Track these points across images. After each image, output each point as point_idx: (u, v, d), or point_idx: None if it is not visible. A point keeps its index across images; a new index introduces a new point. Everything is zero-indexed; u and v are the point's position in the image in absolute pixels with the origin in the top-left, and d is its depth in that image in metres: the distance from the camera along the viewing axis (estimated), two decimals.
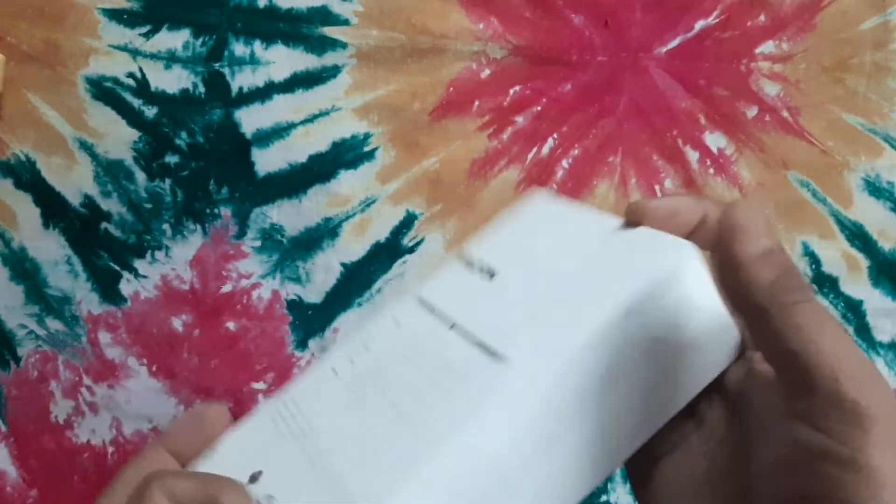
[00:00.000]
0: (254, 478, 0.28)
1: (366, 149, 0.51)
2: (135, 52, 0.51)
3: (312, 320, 0.51)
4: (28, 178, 0.51)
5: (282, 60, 0.51)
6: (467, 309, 0.31)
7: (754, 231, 0.25)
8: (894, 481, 0.23)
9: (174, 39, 0.51)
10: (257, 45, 0.51)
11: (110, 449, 0.50)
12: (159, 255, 0.51)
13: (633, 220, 0.29)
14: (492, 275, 0.32)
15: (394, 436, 0.27)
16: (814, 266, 0.50)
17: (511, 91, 0.50)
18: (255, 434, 0.30)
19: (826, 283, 0.50)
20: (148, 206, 0.51)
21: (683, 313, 0.27)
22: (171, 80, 0.51)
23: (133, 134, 0.51)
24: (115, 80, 0.51)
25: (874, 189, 0.50)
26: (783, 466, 0.25)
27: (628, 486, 0.51)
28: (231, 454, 0.29)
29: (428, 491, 0.25)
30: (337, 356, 0.32)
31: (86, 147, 0.51)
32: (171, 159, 0.51)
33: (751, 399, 0.29)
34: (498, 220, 0.35)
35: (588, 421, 0.26)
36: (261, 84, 0.51)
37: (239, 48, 0.51)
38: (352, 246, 0.51)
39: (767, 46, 0.51)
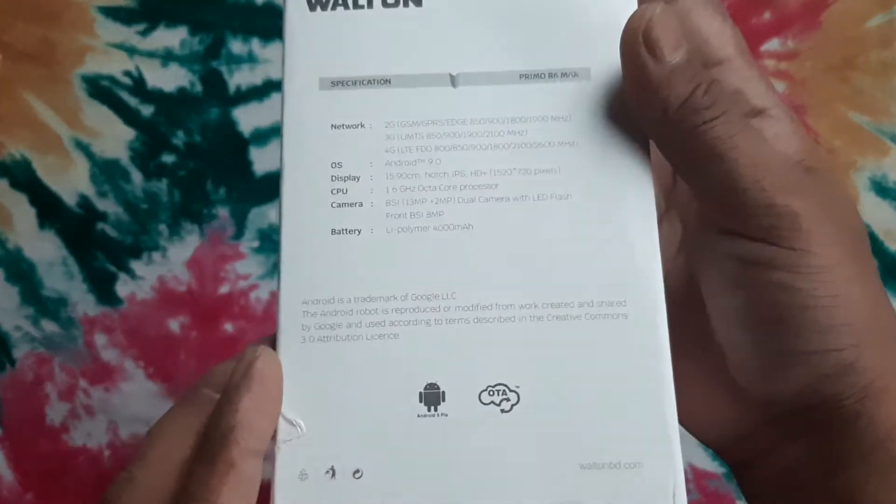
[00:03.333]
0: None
1: None
2: (131, 51, 0.51)
3: None
4: (23, 178, 0.51)
5: (280, 58, 0.50)
6: (437, 52, 0.24)
7: (665, 42, 0.22)
8: (842, 272, 0.22)
9: (171, 37, 0.51)
10: (255, 43, 0.51)
11: (106, 452, 0.50)
12: (156, 256, 0.50)
13: None
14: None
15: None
16: None
17: None
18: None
19: None
20: (144, 206, 0.51)
21: None
22: (168, 79, 0.51)
23: (129, 133, 0.51)
24: (112, 79, 0.51)
25: (880, 189, 0.50)
26: (732, 285, 0.24)
27: None
28: None
29: None
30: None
31: (82, 146, 0.51)
32: (168, 159, 0.51)
33: (680, 222, 0.27)
34: None
35: None
36: (259, 82, 0.51)
37: (236, 46, 0.51)
38: None
39: (773, 44, 0.50)
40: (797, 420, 0.24)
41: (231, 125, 0.51)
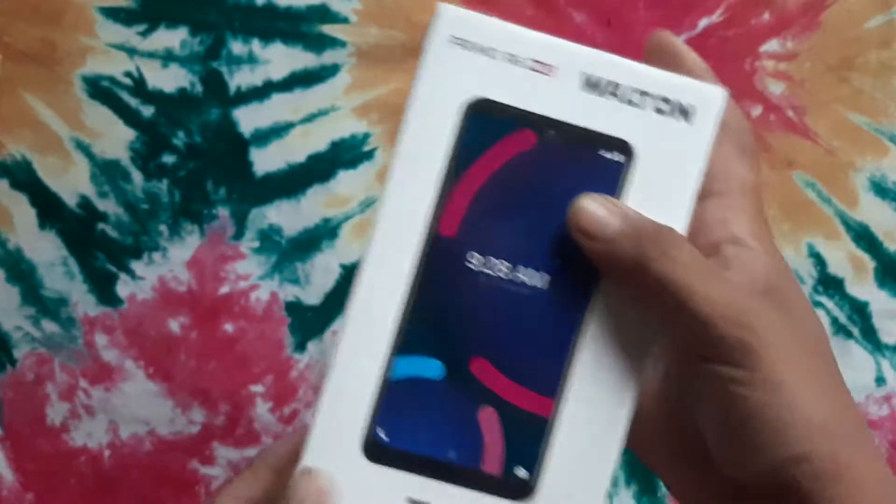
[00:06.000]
0: None
1: (365, 149, 0.51)
2: (132, 51, 0.51)
3: (311, 322, 0.50)
4: (24, 178, 0.51)
5: (280, 59, 0.51)
6: None
7: (593, 223, 0.27)
8: (791, 384, 0.26)
9: (171, 38, 0.51)
10: (255, 44, 0.51)
11: (107, 452, 0.50)
12: (156, 256, 0.50)
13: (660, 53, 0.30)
14: None
15: None
16: (819, 267, 0.50)
17: None
18: None
19: (832, 284, 0.50)
20: (145, 206, 0.51)
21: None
22: (169, 79, 0.51)
23: (130, 133, 0.51)
24: (112, 80, 0.51)
25: (880, 189, 0.50)
26: (707, 397, 0.27)
27: (632, 490, 0.50)
28: None
29: None
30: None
31: (82, 147, 0.51)
32: (169, 159, 0.51)
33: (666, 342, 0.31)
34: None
35: None
36: (259, 83, 0.51)
37: (237, 47, 0.51)
38: (351, 247, 0.50)
39: (772, 45, 0.50)
40: (766, 499, 0.27)
41: (231, 126, 0.51)
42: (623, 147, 0.28)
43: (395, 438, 0.28)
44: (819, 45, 0.50)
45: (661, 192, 0.28)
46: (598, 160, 0.28)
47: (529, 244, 0.28)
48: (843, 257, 0.50)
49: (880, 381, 0.50)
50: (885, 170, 0.50)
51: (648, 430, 0.30)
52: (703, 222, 0.29)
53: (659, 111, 0.28)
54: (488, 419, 0.28)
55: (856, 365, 0.50)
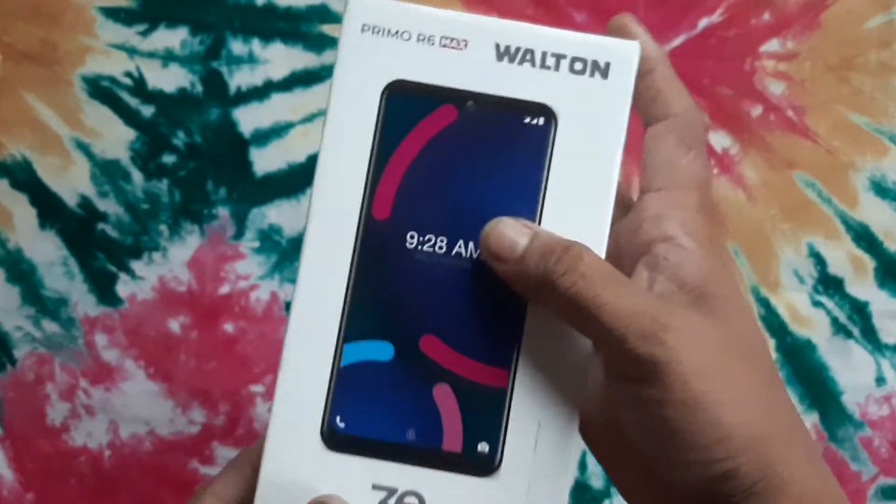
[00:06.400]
0: None
1: None
2: (132, 51, 0.51)
3: None
4: (24, 178, 0.51)
5: (280, 59, 0.51)
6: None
7: (501, 246, 0.26)
8: (711, 399, 0.25)
9: (172, 38, 0.51)
10: (255, 44, 0.51)
11: (107, 452, 0.50)
12: (156, 256, 0.50)
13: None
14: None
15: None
16: (819, 267, 0.50)
17: None
18: None
19: (832, 284, 0.50)
20: (145, 206, 0.51)
21: None
22: (169, 79, 0.51)
23: (130, 133, 0.51)
24: (112, 80, 0.51)
25: (880, 189, 0.50)
26: (633, 415, 0.27)
27: None
28: None
29: None
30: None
31: (82, 147, 0.51)
32: (169, 159, 0.51)
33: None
34: None
35: None
36: (259, 83, 0.51)
37: (237, 47, 0.51)
38: None
39: (772, 45, 0.50)
40: None
41: (231, 126, 0.51)
42: (545, 111, 0.28)
43: (353, 425, 0.27)
44: (819, 45, 0.50)
45: (588, 150, 0.28)
46: (522, 127, 0.28)
47: (465, 218, 0.28)
48: (843, 257, 0.50)
49: (880, 381, 0.50)
50: (885, 170, 0.50)
51: (592, 437, 0.30)
52: (640, 219, 0.28)
53: (575, 72, 0.28)
54: (444, 396, 0.27)
55: (856, 365, 0.50)
